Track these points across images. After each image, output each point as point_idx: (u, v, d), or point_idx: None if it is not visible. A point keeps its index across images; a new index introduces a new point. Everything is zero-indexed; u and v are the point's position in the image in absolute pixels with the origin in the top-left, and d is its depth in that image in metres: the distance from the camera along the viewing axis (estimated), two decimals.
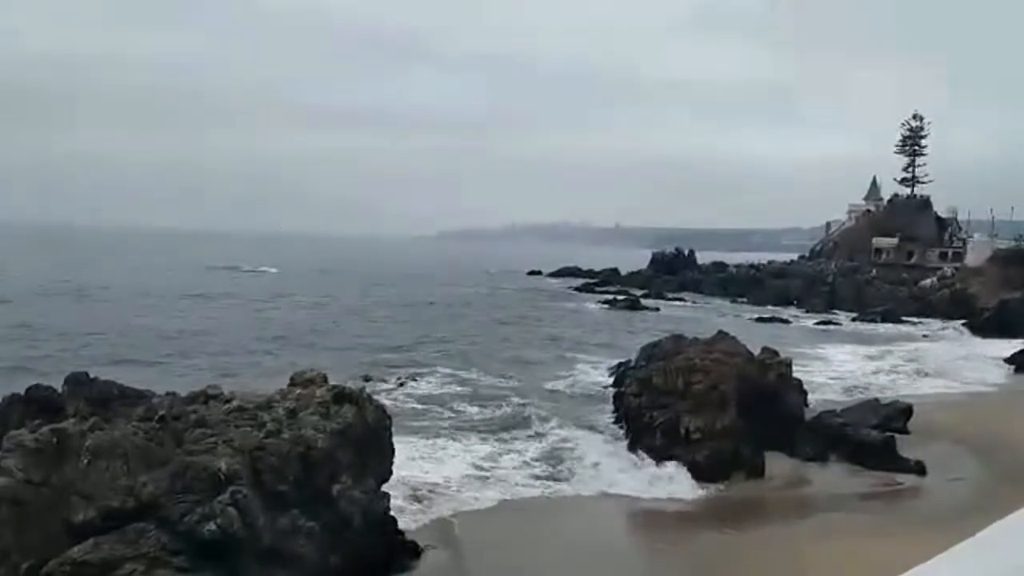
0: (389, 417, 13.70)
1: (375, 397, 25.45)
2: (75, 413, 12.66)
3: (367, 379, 27.83)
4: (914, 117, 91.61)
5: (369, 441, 12.51)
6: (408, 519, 14.78)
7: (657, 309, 61.08)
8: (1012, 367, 36.90)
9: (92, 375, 15.57)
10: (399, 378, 28.61)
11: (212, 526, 9.94)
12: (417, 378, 28.94)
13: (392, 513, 13.83)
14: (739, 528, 16.50)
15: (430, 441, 20.43)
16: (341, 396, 12.45)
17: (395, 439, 20.23)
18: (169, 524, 9.97)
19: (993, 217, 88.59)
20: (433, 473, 17.68)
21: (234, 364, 30.34)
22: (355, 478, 11.95)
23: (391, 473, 13.64)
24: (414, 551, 13.70)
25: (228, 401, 11.97)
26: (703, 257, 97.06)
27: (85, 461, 10.30)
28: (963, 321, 56.58)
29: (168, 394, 13.16)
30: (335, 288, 68.18)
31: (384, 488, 13.30)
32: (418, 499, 15.93)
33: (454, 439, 20.88)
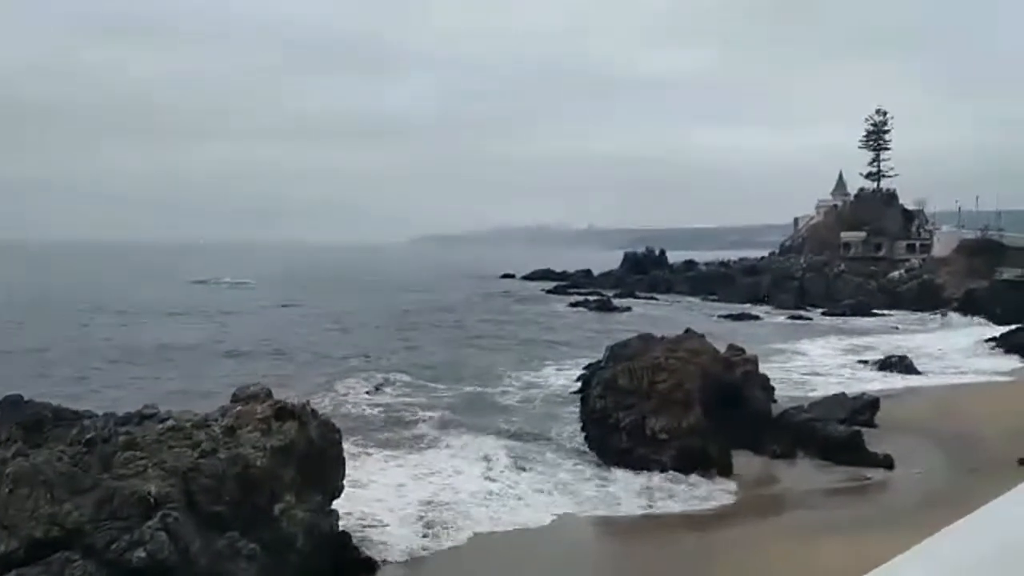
0: (338, 431, 13.22)
1: (345, 406, 25.92)
2: (7, 438, 12.07)
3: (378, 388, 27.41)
4: (877, 112, 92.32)
5: (314, 457, 12.03)
6: (371, 536, 14.33)
7: (629, 309, 60.93)
8: (984, 349, 37.15)
9: (33, 397, 14.98)
10: (368, 390, 28.08)
11: (141, 553, 9.44)
12: (384, 387, 28.43)
13: (346, 529, 13.40)
14: (708, 530, 16.17)
15: (395, 454, 19.91)
16: (283, 412, 11.96)
17: (359, 451, 20.08)
18: (95, 553, 9.45)
19: (959, 208, 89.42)
20: (398, 489, 17.18)
21: (206, 379, 29.57)
22: (299, 496, 11.46)
23: (342, 489, 13.17)
24: (369, 567, 13.25)
25: (163, 421, 11.44)
26: (677, 256, 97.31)
27: (7, 490, 9.76)
28: (931, 311, 56.99)
29: (106, 415, 12.60)
30: (309, 298, 67.46)
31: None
32: (380, 517, 15.42)
33: (419, 451, 20.35)
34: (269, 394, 12.78)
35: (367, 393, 27.36)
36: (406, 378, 30.11)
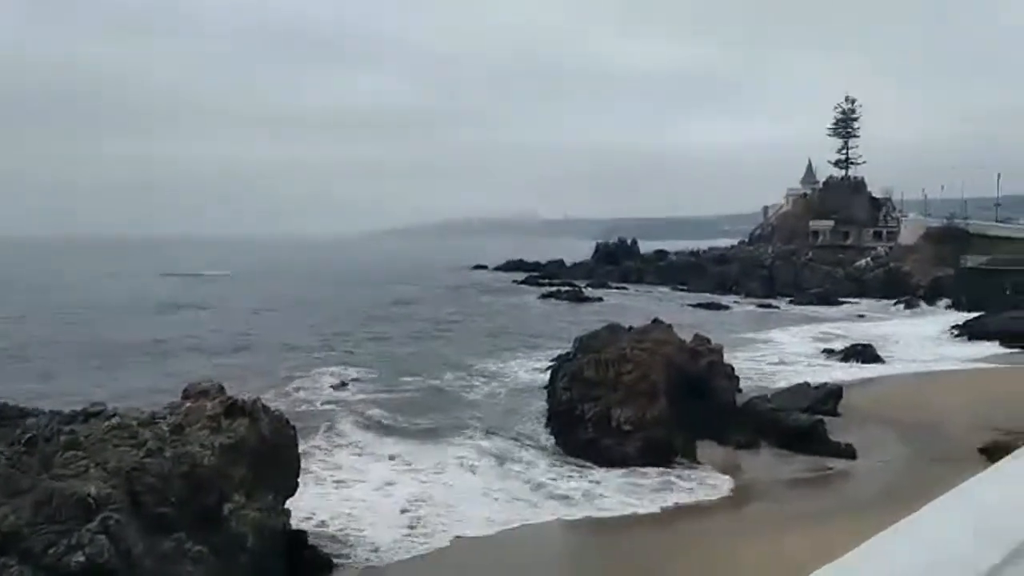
0: (293, 427, 12.97)
1: (309, 401, 25.57)
2: None
3: (343, 384, 26.99)
4: (846, 100, 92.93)
5: (266, 455, 11.77)
6: (337, 535, 14.11)
7: (600, 299, 60.96)
8: (948, 337, 37.49)
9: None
10: (334, 384, 27.75)
11: (80, 557, 9.15)
12: (351, 381, 28.11)
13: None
14: (673, 524, 16.03)
15: (357, 452, 19.61)
16: (233, 409, 11.68)
17: (322, 447, 19.80)
18: (32, 557, 9.15)
19: (925, 196, 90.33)
20: (359, 488, 16.93)
21: (167, 375, 29.04)
22: (250, 495, 11.20)
23: (296, 486, 12.93)
24: (326, 565, 13.03)
25: (110, 418, 11.13)
26: (650, 246, 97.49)
27: None
28: (897, 299, 57.47)
29: (51, 413, 12.25)
30: (278, 291, 66.86)
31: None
32: (341, 516, 15.15)
33: (383, 449, 20.03)
34: (221, 390, 12.50)
35: (332, 388, 27.04)
36: (373, 372, 29.84)
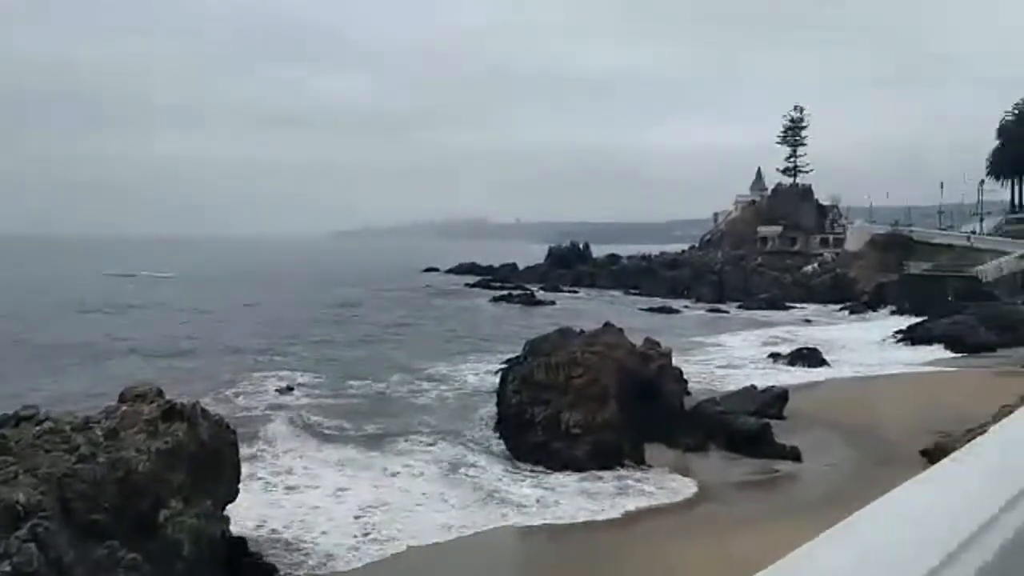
0: (233, 432, 12.67)
1: (253, 405, 25.09)
2: None
3: (289, 388, 26.45)
4: (795, 109, 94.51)
5: (205, 460, 11.46)
6: (283, 542, 13.83)
7: (552, 303, 61.07)
8: (893, 341, 38.21)
9: None
10: (279, 387, 27.28)
11: (6, 567, 8.78)
12: (296, 385, 27.69)
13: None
14: (627, 528, 15.98)
15: (305, 458, 19.26)
16: (171, 413, 11.36)
17: (265, 453, 19.40)
18: None
19: (871, 203, 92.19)
20: (310, 494, 16.62)
21: (108, 378, 28.27)
22: (188, 501, 10.89)
23: (237, 492, 12.64)
24: (269, 573, 12.74)
25: (41, 423, 10.74)
26: (604, 250, 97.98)
27: None
28: (843, 304, 58.45)
29: None
30: (226, 292, 65.79)
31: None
32: (292, 523, 14.85)
33: (331, 455, 19.70)
34: (159, 393, 12.15)
35: (278, 391, 26.61)
36: (320, 376, 29.45)
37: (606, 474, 18.83)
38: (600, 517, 16.15)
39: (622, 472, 19.00)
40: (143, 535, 10.30)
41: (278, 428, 21.81)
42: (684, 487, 18.03)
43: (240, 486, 12.78)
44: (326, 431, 22.00)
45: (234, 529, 13.55)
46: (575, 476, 18.58)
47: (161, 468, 10.69)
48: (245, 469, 17.51)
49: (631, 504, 16.85)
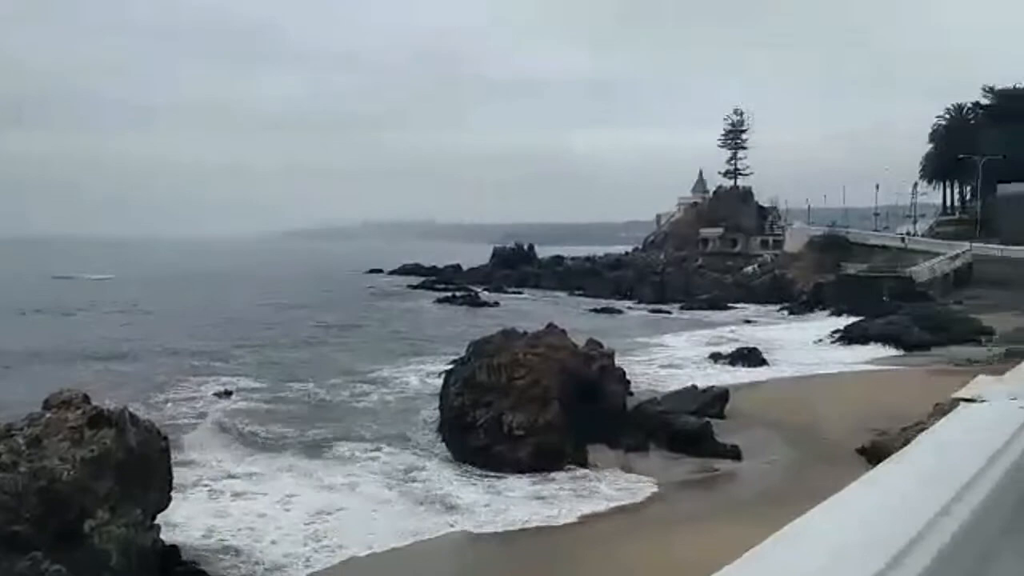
0: (165, 438, 12.31)
1: (189, 410, 24.49)
2: None
3: (227, 392, 25.79)
4: (735, 112, 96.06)
5: (134, 467, 11.09)
6: (225, 550, 13.48)
7: (496, 304, 60.99)
8: (830, 341, 38.93)
9: None
10: (217, 391, 26.69)
11: None
12: (235, 389, 27.09)
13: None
14: (570, 530, 15.89)
15: (243, 465, 18.82)
16: (98, 419, 10.96)
17: (200, 463, 18.88)
18: None
19: (809, 206, 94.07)
20: (256, 502, 16.24)
21: (41, 383, 27.26)
22: (115, 510, 10.52)
23: (169, 500, 12.27)
24: None
25: None
26: (550, 251, 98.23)
27: None
28: (782, 304, 59.42)
29: None
30: (166, 294, 64.40)
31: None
32: (237, 531, 14.47)
33: (272, 461, 19.27)
34: (86, 399, 11.73)
35: (216, 395, 26.05)
36: (259, 379, 28.92)
37: (559, 475, 18.75)
38: (554, 522, 15.97)
39: (576, 473, 18.93)
40: (68, 546, 9.92)
41: (215, 434, 21.35)
42: (641, 488, 17.99)
43: (181, 494, 12.46)
44: (267, 437, 21.58)
45: (180, 539, 13.27)
46: (527, 479, 18.43)
47: (87, 477, 10.31)
48: (188, 476, 17.17)
49: (585, 507, 16.75)
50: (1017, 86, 77.81)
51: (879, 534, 1.65)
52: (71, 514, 10.09)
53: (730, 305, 61.56)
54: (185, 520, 14.49)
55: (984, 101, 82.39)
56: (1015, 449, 2.49)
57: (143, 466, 11.34)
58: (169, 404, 24.66)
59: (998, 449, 2.42)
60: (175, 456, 17.60)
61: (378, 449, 20.44)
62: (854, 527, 1.70)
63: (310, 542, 14.38)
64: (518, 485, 18.07)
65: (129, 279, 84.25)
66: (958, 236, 67.84)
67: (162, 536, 12.85)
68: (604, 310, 57.11)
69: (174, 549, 12.39)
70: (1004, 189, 69.35)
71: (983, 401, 2.84)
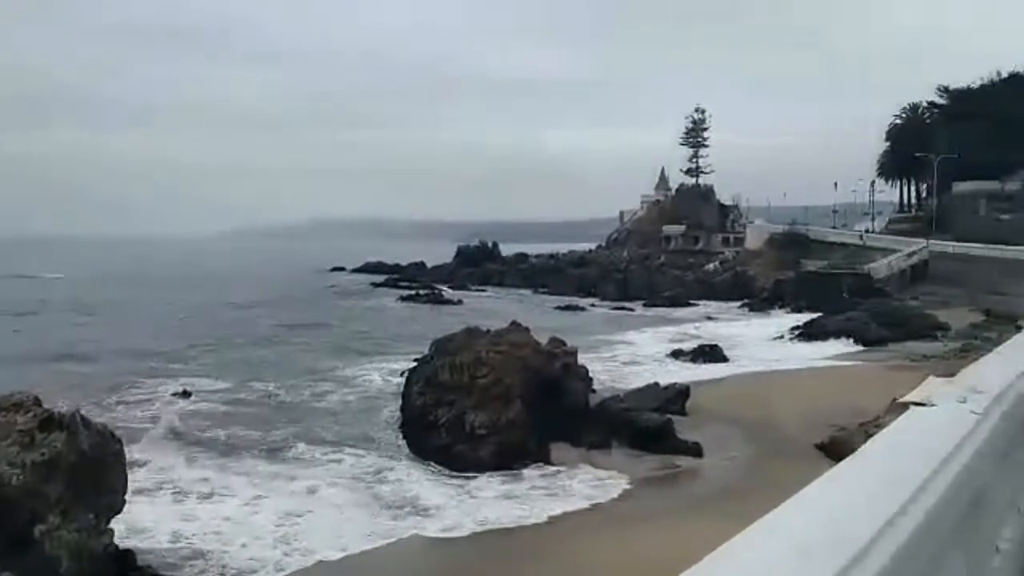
0: (119, 441, 12.05)
1: (145, 412, 24.03)
2: None
3: (186, 393, 25.33)
4: (696, 111, 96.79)
5: (86, 471, 10.84)
6: (188, 558, 13.26)
7: (460, 302, 60.88)
8: (790, 337, 39.36)
9: None
10: (175, 391, 26.26)
11: None
12: (194, 391, 26.65)
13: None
14: (540, 529, 15.82)
15: (205, 468, 18.52)
16: (48, 422, 10.70)
17: (153, 465, 18.53)
18: None
19: (769, 203, 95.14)
20: (219, 506, 15.99)
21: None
22: (66, 515, 10.28)
23: (124, 503, 12.02)
24: None
25: None
26: (514, 248, 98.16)
27: None
28: (743, 301, 59.96)
29: None
30: (120, 294, 63.30)
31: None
32: (201, 536, 14.24)
33: (232, 464, 18.99)
34: (36, 402, 11.45)
35: (174, 396, 25.64)
36: (219, 380, 28.53)
37: (529, 473, 18.70)
38: (524, 521, 15.87)
39: (546, 471, 18.87)
40: (17, 552, 9.67)
41: (174, 436, 21.03)
42: (613, 485, 17.98)
43: (146, 498, 12.23)
44: (228, 439, 21.25)
45: (147, 544, 13.06)
46: (497, 479, 18.34)
47: (37, 481, 10.07)
48: (150, 480, 16.90)
49: (556, 506, 16.66)
50: (970, 86, 79.24)
51: (842, 532, 1.66)
52: (20, 520, 9.84)
53: (692, 302, 61.97)
54: (152, 525, 14.30)
55: (939, 101, 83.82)
56: (965, 453, 2.49)
57: (96, 469, 11.09)
58: (125, 406, 24.25)
59: (949, 452, 2.42)
60: (135, 459, 17.39)
61: (342, 451, 20.26)
62: (817, 525, 1.72)
63: (280, 545, 14.22)
64: (488, 485, 17.97)
65: (82, 279, 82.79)
66: (910, 233, 68.95)
67: (133, 542, 12.70)
68: (568, 308, 57.22)
69: (129, 553, 12.15)
70: (958, 187, 70.67)
71: (932, 405, 2.83)
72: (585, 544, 14.78)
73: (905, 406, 2.90)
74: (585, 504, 16.86)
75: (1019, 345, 5.09)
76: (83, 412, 12.17)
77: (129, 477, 15.64)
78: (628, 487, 17.85)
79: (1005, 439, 3.22)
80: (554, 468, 19.06)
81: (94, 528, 10.74)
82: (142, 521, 14.29)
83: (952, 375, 3.37)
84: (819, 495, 1.93)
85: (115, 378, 28.26)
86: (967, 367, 3.87)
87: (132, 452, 17.30)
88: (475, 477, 18.47)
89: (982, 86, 76.91)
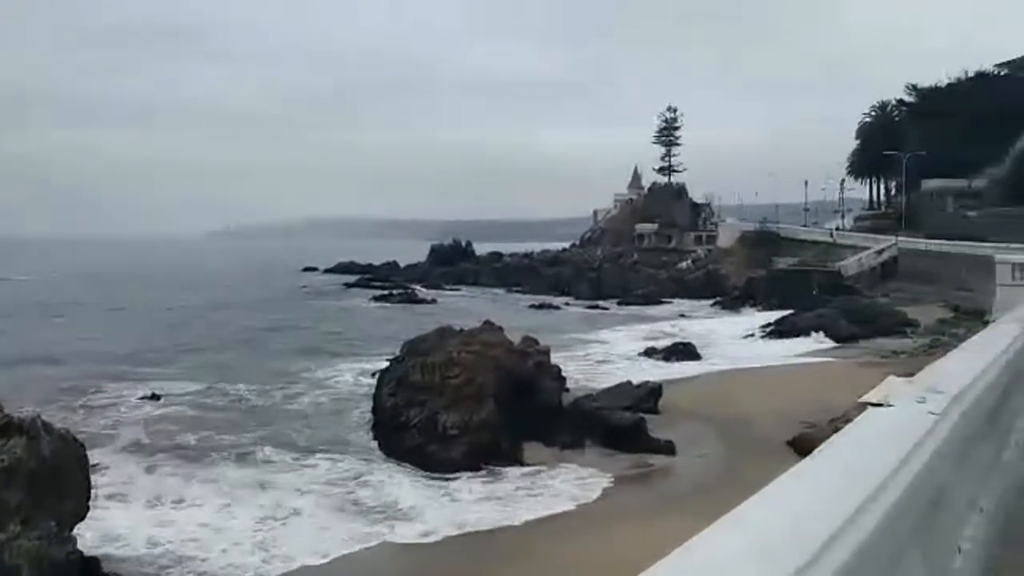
0: (81, 445, 11.84)
1: (113, 416, 23.63)
2: None
3: (155, 396, 24.91)
4: (669, 109, 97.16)
5: (47, 477, 10.63)
6: (166, 565, 13.08)
7: (434, 301, 60.72)
8: (762, 335, 39.56)
9: None
10: (144, 394, 25.91)
11: None
12: (160, 395, 26.28)
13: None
14: (519, 530, 15.74)
15: (175, 476, 18.25)
16: (8, 427, 10.48)
17: (121, 471, 18.22)
18: None
19: (740, 202, 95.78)
20: (195, 511, 15.77)
21: None
22: (26, 522, 10.06)
23: (87, 510, 11.81)
24: None
25: None
26: (489, 247, 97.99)
27: None
28: (715, 299, 60.23)
29: None
30: (92, 295, 62.49)
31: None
32: (173, 542, 14.03)
33: (202, 470, 18.72)
34: None
35: (142, 399, 25.28)
36: (189, 383, 28.19)
37: (511, 472, 18.61)
38: (504, 523, 15.77)
39: (527, 471, 18.79)
40: None
41: (145, 441, 20.76)
42: (594, 484, 17.92)
43: (121, 504, 12.02)
44: (196, 443, 20.99)
45: (123, 551, 12.88)
46: (479, 481, 18.22)
47: None
48: (117, 486, 16.61)
49: (539, 507, 16.58)
50: (938, 85, 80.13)
51: (806, 527, 1.68)
52: None
53: (665, 300, 62.22)
54: (127, 532, 14.09)
55: (908, 99, 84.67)
56: (923, 453, 2.46)
57: (57, 475, 10.88)
58: (90, 410, 23.90)
59: (907, 453, 2.38)
60: (102, 464, 17.14)
61: (315, 455, 20.01)
62: (783, 520, 1.73)
63: (259, 551, 14.04)
64: (468, 486, 17.84)
65: (51, 281, 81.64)
66: (878, 230, 69.55)
67: (108, 549, 12.51)
68: (542, 306, 57.24)
69: (94, 561, 11.94)
70: (927, 184, 71.45)
71: (890, 405, 2.81)
72: (561, 546, 14.72)
73: (865, 406, 2.88)
74: (571, 505, 16.75)
75: (979, 344, 5.10)
76: (45, 417, 11.94)
77: (98, 483, 15.52)
78: (609, 485, 17.82)
79: (964, 439, 3.20)
80: (533, 468, 18.97)
81: (56, 535, 10.52)
82: (116, 528, 14.09)
83: (912, 374, 3.34)
84: (781, 492, 1.95)
85: (81, 381, 27.88)
86: (928, 366, 3.85)
87: (97, 457, 17.12)
88: (455, 478, 18.33)
89: (950, 84, 77.78)
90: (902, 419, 2.68)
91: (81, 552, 11.29)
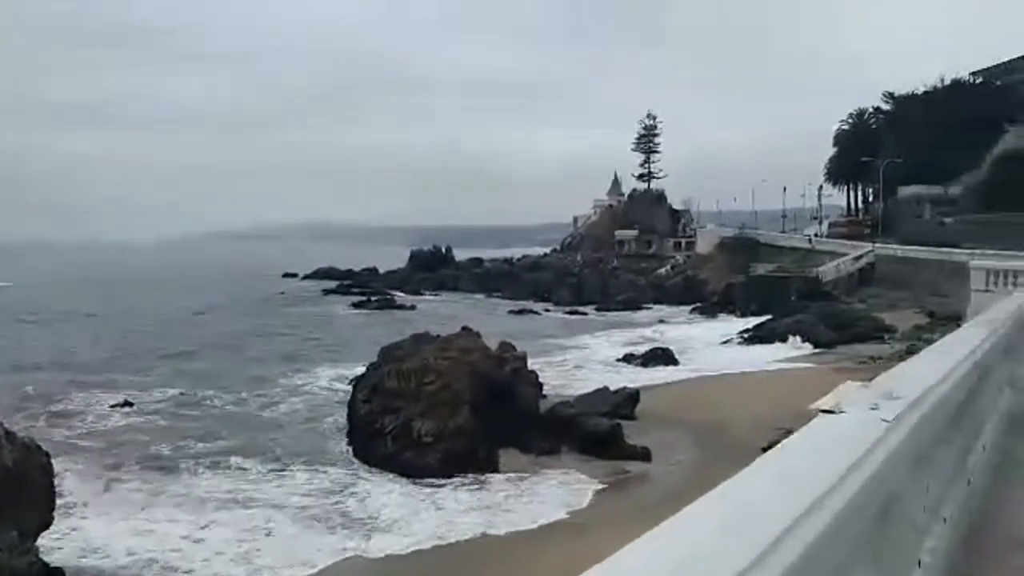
0: (46, 454, 11.62)
1: (83, 424, 23.26)
2: None
3: (128, 403, 24.58)
4: (648, 116, 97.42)
5: (10, 487, 10.42)
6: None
7: (413, 307, 60.55)
8: (740, 340, 39.65)
9: None
10: (115, 402, 25.59)
11: None
12: (132, 402, 25.97)
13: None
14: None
15: (150, 485, 18.00)
16: None
17: (91, 479, 17.93)
18: None
19: (719, 208, 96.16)
20: (174, 522, 15.54)
21: None
22: None
23: (51, 519, 11.60)
24: None
25: None
26: (469, 253, 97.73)
27: None
28: (694, 305, 60.36)
29: None
30: (67, 302, 61.80)
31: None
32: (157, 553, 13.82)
33: (179, 480, 18.50)
34: None
35: (112, 406, 24.95)
36: (165, 389, 27.91)
37: (495, 478, 18.51)
38: (491, 531, 15.70)
39: (512, 477, 18.67)
40: None
41: (114, 450, 20.48)
42: (583, 489, 17.81)
43: (98, 513, 11.79)
44: (173, 452, 20.77)
45: (103, 562, 12.70)
46: (465, 490, 18.08)
47: None
48: (86, 496, 16.33)
49: (534, 511, 16.52)
50: (915, 92, 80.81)
51: (754, 525, 1.66)
52: None
53: (645, 306, 62.30)
54: (105, 543, 13.85)
55: (884, 106, 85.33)
56: (874, 460, 2.38)
57: (20, 485, 10.67)
58: (59, 417, 23.59)
59: (855, 461, 2.30)
60: (71, 472, 16.88)
61: (293, 463, 19.80)
62: (732, 519, 1.71)
63: (242, 563, 13.83)
64: (455, 496, 17.67)
65: (31, 286, 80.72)
66: (851, 237, 69.79)
67: (89, 560, 12.32)
68: (522, 312, 57.20)
69: (58, 571, 11.71)
70: (903, 191, 71.97)
71: (842, 412, 2.73)
72: (531, 555, 14.62)
73: (813, 414, 2.81)
74: (563, 513, 16.65)
75: (939, 350, 5.04)
76: (8, 426, 11.71)
77: (70, 492, 15.31)
78: (599, 487, 17.74)
79: (921, 446, 3.13)
80: (516, 474, 18.83)
81: (17, 546, 10.31)
82: (94, 539, 13.86)
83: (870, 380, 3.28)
84: (732, 492, 1.93)
85: (51, 388, 27.55)
86: (885, 372, 3.79)
87: (66, 465, 16.86)
88: (441, 487, 18.15)
89: (926, 92, 78.41)
90: (852, 426, 2.60)
91: (44, 561, 11.07)
